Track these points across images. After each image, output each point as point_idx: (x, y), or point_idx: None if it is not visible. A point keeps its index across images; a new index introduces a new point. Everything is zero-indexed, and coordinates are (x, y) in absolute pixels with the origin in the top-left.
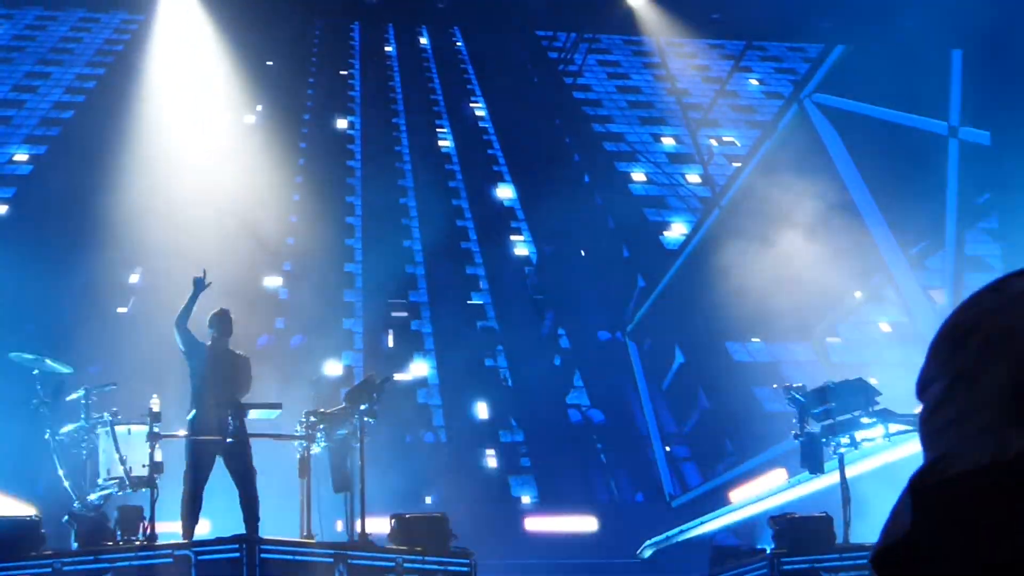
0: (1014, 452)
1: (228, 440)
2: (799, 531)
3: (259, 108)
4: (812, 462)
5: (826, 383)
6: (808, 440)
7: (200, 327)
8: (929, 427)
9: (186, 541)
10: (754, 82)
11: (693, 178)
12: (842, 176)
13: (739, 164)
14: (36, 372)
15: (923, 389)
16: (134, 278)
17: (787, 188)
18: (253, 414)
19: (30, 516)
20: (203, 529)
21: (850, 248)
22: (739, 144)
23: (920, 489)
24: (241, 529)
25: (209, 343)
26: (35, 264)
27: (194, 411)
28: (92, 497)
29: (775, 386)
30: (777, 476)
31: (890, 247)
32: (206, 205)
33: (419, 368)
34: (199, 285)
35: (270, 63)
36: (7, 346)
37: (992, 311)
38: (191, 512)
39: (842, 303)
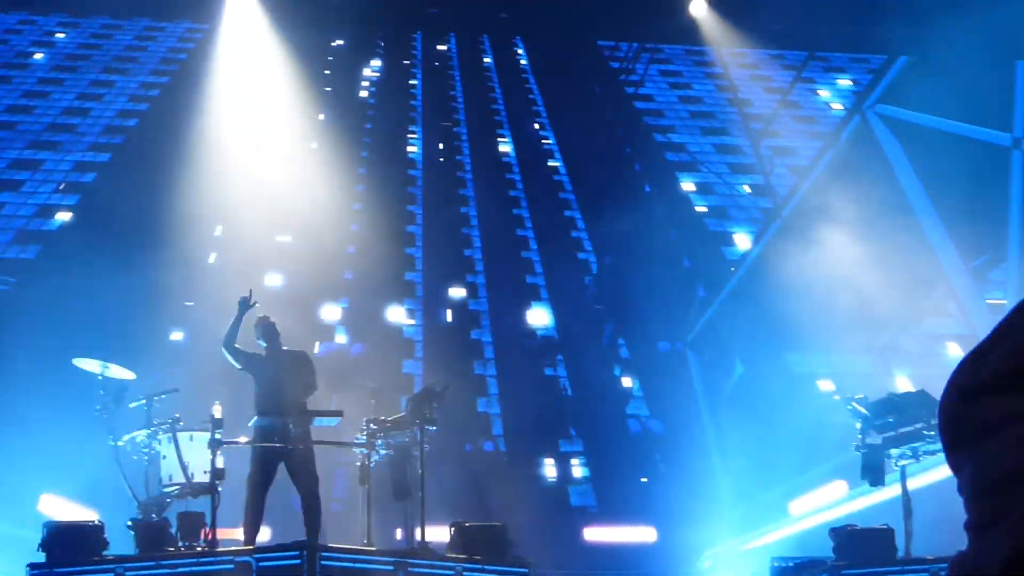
0: None
1: (290, 447)
2: (860, 543)
3: (321, 117)
4: (873, 474)
5: (889, 395)
6: (869, 452)
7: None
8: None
9: (247, 547)
10: (825, 93)
11: (754, 188)
12: (904, 187)
13: (801, 175)
14: (99, 378)
15: (956, 469)
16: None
17: (849, 199)
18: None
19: (93, 521)
20: (264, 536)
21: (911, 260)
22: (801, 154)
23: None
24: (302, 536)
25: (262, 352)
26: (98, 270)
27: (258, 417)
28: (154, 503)
29: (836, 397)
30: (837, 488)
31: (951, 259)
32: (268, 213)
33: (480, 376)
34: (243, 305)
35: (328, 71)
36: (70, 352)
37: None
38: (253, 518)
39: (904, 315)
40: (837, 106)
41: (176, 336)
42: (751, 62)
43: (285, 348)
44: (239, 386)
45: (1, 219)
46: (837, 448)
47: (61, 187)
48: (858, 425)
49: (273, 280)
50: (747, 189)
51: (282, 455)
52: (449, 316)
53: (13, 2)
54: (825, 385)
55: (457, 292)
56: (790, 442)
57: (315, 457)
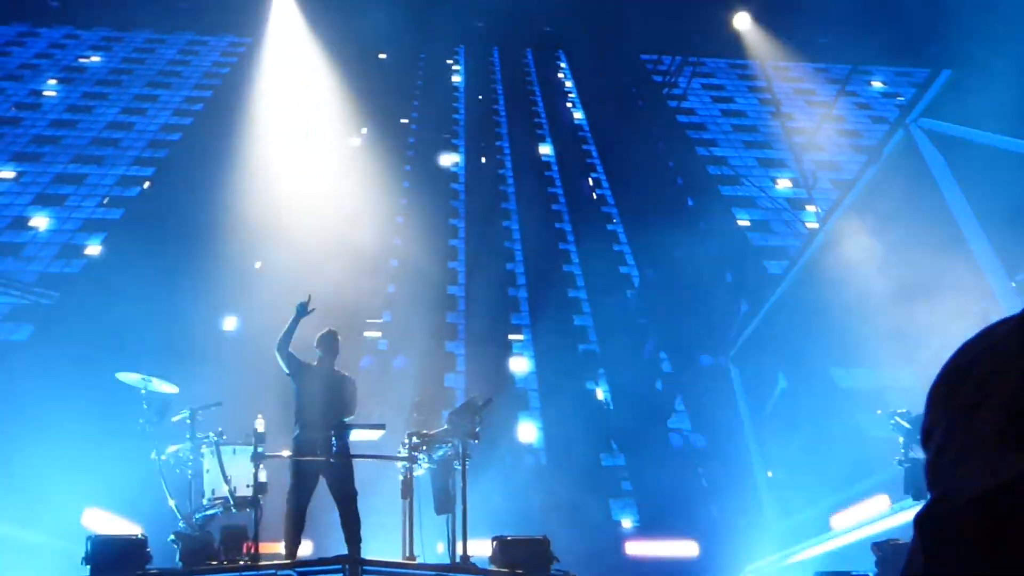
0: (1013, 474)
1: (331, 460)
2: (903, 557)
3: (364, 131)
4: (917, 488)
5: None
6: (913, 466)
7: (304, 345)
8: (934, 470)
9: (290, 561)
10: (869, 107)
11: (797, 202)
12: (948, 202)
13: (844, 188)
14: (142, 392)
15: (927, 437)
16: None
17: (892, 213)
18: (356, 435)
19: (136, 535)
20: (305, 549)
21: (955, 274)
22: (844, 169)
23: (926, 525)
24: (343, 549)
25: (315, 363)
26: (141, 286)
27: (298, 431)
28: (197, 516)
29: (879, 412)
30: (880, 502)
31: (996, 273)
32: (311, 227)
33: (521, 392)
34: (301, 310)
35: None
36: (114, 367)
37: (981, 353)
38: (294, 532)
39: (947, 329)
40: (881, 120)
41: (219, 349)
42: (794, 75)
43: (336, 369)
44: (281, 400)
45: (45, 233)
46: (880, 462)
47: (105, 201)
48: (901, 439)
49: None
50: (790, 203)
51: (321, 468)
52: (492, 329)
53: (59, 16)
54: (867, 399)
55: (500, 306)
56: (832, 456)
57: (355, 471)
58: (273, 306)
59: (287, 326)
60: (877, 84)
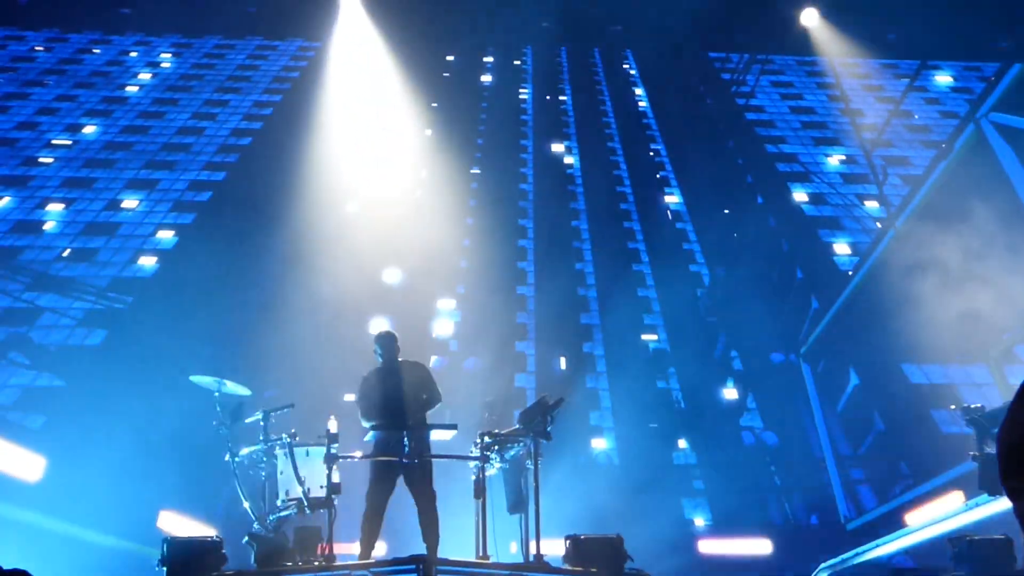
0: None
1: (403, 460)
2: (979, 553)
3: (428, 133)
4: (992, 484)
5: (1006, 404)
6: (987, 461)
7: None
8: None
9: (364, 562)
10: (938, 102)
11: (868, 199)
12: (1019, 195)
13: (914, 184)
14: (216, 395)
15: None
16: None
17: (963, 209)
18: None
19: (211, 537)
20: (380, 550)
21: None
22: (914, 164)
23: None
24: (416, 549)
25: (378, 365)
26: (213, 289)
27: (374, 431)
28: (271, 518)
29: (952, 407)
30: (954, 499)
31: None
32: (381, 230)
33: (592, 390)
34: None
35: (446, 73)
36: (188, 369)
37: None
38: (370, 532)
39: (1019, 323)
40: (951, 115)
41: (291, 351)
42: (863, 72)
43: (402, 359)
44: (354, 402)
45: (118, 238)
46: (953, 458)
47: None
48: (975, 435)
49: (387, 295)
50: (861, 200)
51: (400, 468)
52: (561, 329)
53: (131, 24)
54: (940, 395)
55: (570, 306)
56: (906, 453)
57: (433, 471)
58: (342, 311)
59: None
60: (946, 79)
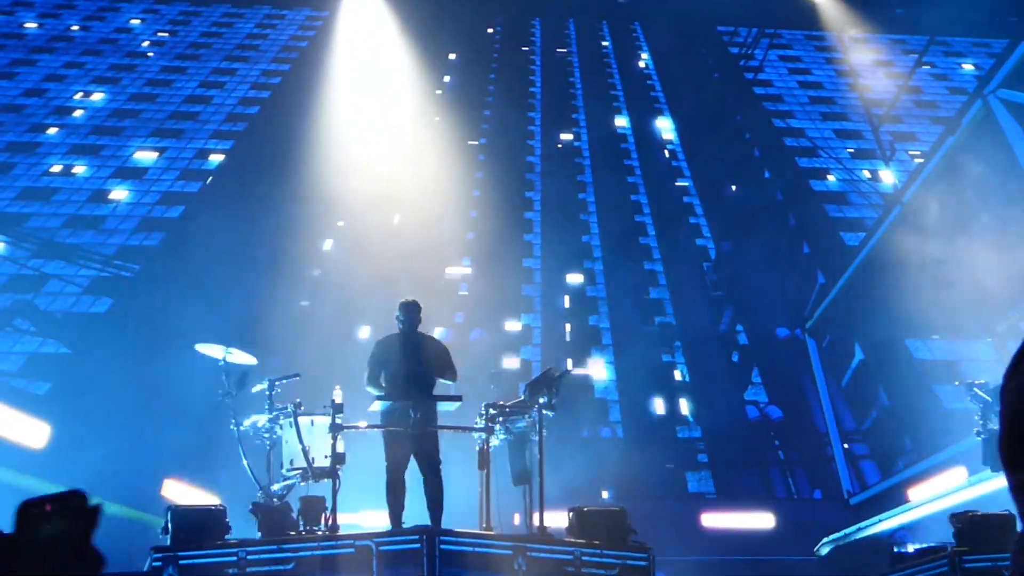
0: None
1: (409, 431)
2: (981, 529)
3: (437, 119)
4: (995, 459)
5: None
6: (990, 437)
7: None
8: None
9: (368, 532)
10: (947, 78)
11: (875, 174)
12: None
13: (921, 160)
14: (221, 363)
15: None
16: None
17: (970, 185)
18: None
19: (216, 505)
20: (383, 520)
21: None
22: (922, 140)
23: None
24: (421, 520)
25: (396, 332)
26: (219, 260)
27: (385, 400)
28: (276, 487)
29: (957, 383)
30: (957, 474)
31: None
32: (388, 202)
33: (596, 363)
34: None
35: (452, 55)
36: (193, 338)
37: None
38: (393, 499)
39: None
40: (959, 91)
41: (297, 320)
42: (872, 47)
43: (421, 331)
44: (360, 371)
45: (126, 206)
46: (957, 434)
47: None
48: (979, 410)
49: (392, 268)
50: (868, 175)
51: (408, 436)
52: (567, 302)
53: None
54: (944, 371)
55: (575, 279)
56: (909, 428)
57: (439, 441)
58: (347, 281)
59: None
60: (954, 55)
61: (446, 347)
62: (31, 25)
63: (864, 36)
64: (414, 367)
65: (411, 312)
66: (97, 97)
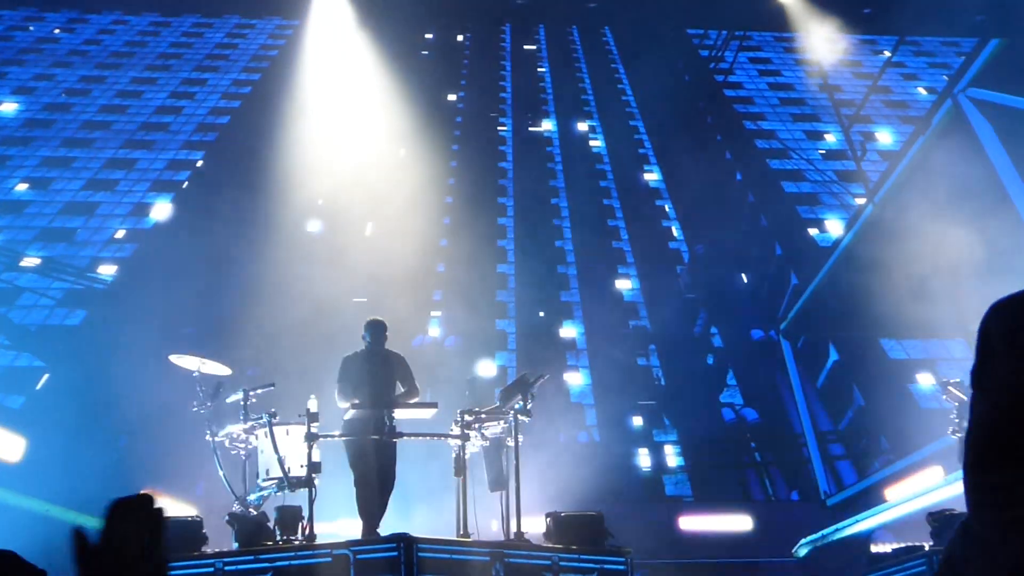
0: None
1: (374, 438)
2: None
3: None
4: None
5: None
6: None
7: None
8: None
9: (344, 541)
10: (916, 78)
11: (846, 174)
12: (998, 172)
13: (892, 160)
14: (196, 374)
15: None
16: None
17: (941, 183)
18: (409, 413)
19: (192, 516)
20: (354, 529)
21: (1006, 244)
22: (892, 140)
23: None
24: (397, 528)
25: (363, 348)
26: (192, 271)
27: (353, 410)
28: (252, 497)
29: (932, 382)
30: (933, 474)
31: None
32: (359, 208)
33: (572, 368)
34: None
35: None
36: (167, 349)
37: None
38: (367, 508)
39: (997, 299)
40: (929, 91)
41: (271, 330)
42: (841, 47)
43: (387, 349)
44: (334, 381)
45: (97, 218)
46: (932, 433)
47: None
48: (954, 409)
49: (366, 275)
50: (839, 176)
51: (372, 445)
52: (541, 307)
53: (108, 3)
54: (919, 370)
55: (549, 283)
56: (885, 428)
57: (406, 449)
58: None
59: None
60: (924, 54)
61: (408, 365)
62: None
63: (833, 37)
64: (379, 381)
65: (377, 331)
66: (66, 109)
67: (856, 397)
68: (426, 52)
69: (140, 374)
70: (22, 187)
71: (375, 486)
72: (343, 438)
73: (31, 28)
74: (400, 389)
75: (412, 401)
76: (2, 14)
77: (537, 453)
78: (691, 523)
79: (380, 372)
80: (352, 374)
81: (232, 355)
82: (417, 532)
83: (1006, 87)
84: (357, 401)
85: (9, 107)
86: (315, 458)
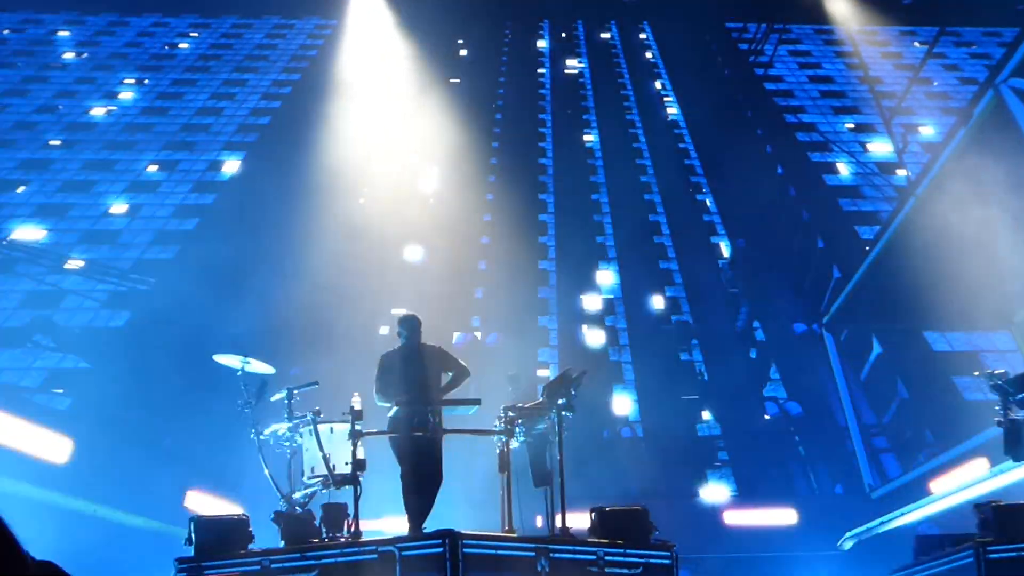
0: None
1: (418, 435)
2: (1006, 519)
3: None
4: (1016, 449)
5: None
6: (1011, 427)
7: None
8: None
9: (390, 538)
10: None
11: (887, 166)
12: None
13: (934, 151)
14: (240, 374)
15: None
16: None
17: (984, 175)
18: (449, 407)
19: (238, 515)
20: (401, 526)
21: None
22: (934, 131)
23: None
24: (442, 525)
25: (398, 346)
26: (236, 269)
27: (396, 407)
28: (297, 495)
29: (976, 374)
30: (979, 465)
31: None
32: (401, 208)
33: (614, 363)
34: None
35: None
36: (212, 349)
37: None
38: (413, 504)
39: None
40: (970, 81)
41: (314, 329)
42: (881, 39)
43: (423, 343)
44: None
45: (140, 220)
46: (977, 425)
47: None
48: (999, 401)
49: (408, 273)
50: (880, 168)
51: (415, 442)
52: (583, 304)
53: (148, 5)
54: (963, 362)
55: (590, 279)
56: (930, 421)
57: (450, 447)
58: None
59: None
60: (964, 45)
61: (445, 350)
62: (42, 42)
63: (873, 28)
64: (418, 376)
65: (411, 326)
66: (109, 112)
67: (900, 390)
68: (460, 48)
69: (184, 374)
70: (67, 190)
71: (419, 483)
72: (388, 435)
73: (70, 32)
74: (446, 378)
75: (456, 397)
76: (42, 18)
77: (581, 448)
78: (736, 517)
79: (418, 367)
80: (390, 371)
81: (276, 354)
82: (462, 528)
83: None
84: (400, 398)
85: (49, 111)
86: (360, 456)
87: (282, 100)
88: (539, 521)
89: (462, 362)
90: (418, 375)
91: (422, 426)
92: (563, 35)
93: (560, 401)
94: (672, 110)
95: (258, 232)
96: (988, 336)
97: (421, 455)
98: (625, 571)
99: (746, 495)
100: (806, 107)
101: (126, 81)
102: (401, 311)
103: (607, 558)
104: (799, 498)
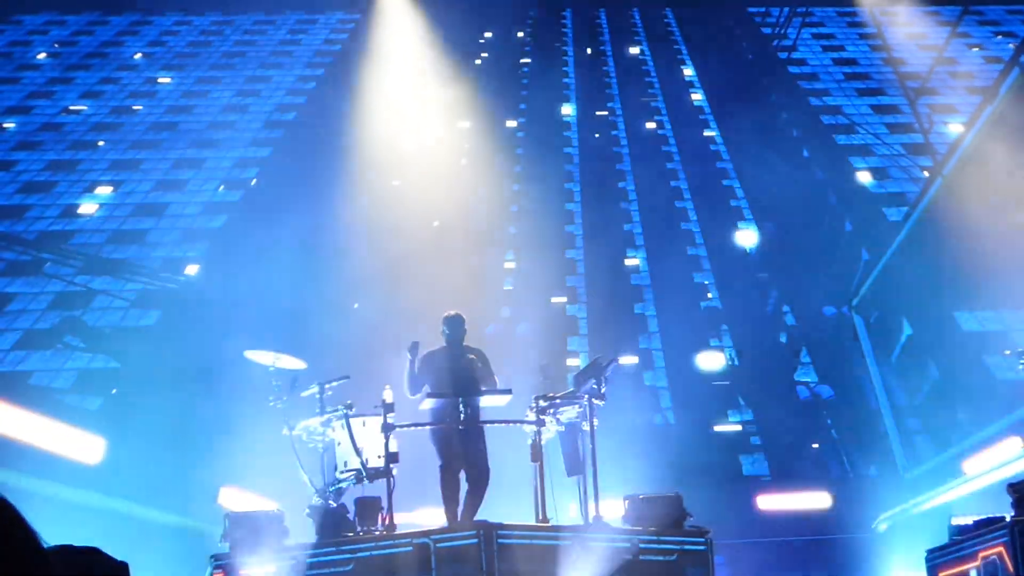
0: None
1: (459, 427)
2: None
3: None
4: None
5: None
6: None
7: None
8: None
9: (425, 530)
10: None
11: (913, 147)
12: None
13: (960, 132)
14: (271, 369)
15: None
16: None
17: (1011, 153)
18: (484, 401)
19: (273, 510)
20: (437, 518)
21: None
22: (960, 111)
23: None
24: (477, 516)
25: (444, 344)
26: (265, 265)
27: (431, 400)
28: (331, 489)
29: (1007, 353)
30: (1012, 445)
31: None
32: (429, 200)
33: (645, 351)
34: (413, 352)
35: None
36: (243, 345)
37: None
38: (449, 496)
39: None
40: (995, 60)
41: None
42: (905, 20)
43: (465, 344)
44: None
45: (167, 218)
46: (1010, 404)
47: (220, 188)
48: None
49: (435, 264)
50: (907, 149)
51: (458, 434)
52: (612, 292)
53: (171, 4)
54: (994, 341)
55: (619, 267)
56: (962, 401)
57: (485, 436)
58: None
59: (406, 373)
60: (989, 24)
61: (487, 358)
62: (66, 43)
63: (896, 10)
64: (460, 372)
65: (455, 325)
66: (134, 111)
67: (931, 371)
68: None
69: (215, 371)
70: (94, 190)
71: (457, 475)
72: (427, 427)
73: (95, 32)
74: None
75: (488, 388)
76: (67, 19)
77: (612, 437)
78: (770, 502)
79: (460, 364)
80: (433, 368)
81: (307, 349)
82: (496, 519)
83: None
84: (445, 391)
85: (75, 112)
86: (392, 448)
87: (307, 95)
88: (573, 510)
89: (496, 379)
90: (460, 371)
91: (458, 419)
92: (586, 23)
93: (591, 389)
94: (696, 96)
95: (286, 227)
96: (1019, 315)
97: (465, 451)
98: (660, 558)
99: (779, 480)
100: (831, 90)
101: (149, 80)
102: (451, 312)
103: (642, 545)
104: (832, 481)
